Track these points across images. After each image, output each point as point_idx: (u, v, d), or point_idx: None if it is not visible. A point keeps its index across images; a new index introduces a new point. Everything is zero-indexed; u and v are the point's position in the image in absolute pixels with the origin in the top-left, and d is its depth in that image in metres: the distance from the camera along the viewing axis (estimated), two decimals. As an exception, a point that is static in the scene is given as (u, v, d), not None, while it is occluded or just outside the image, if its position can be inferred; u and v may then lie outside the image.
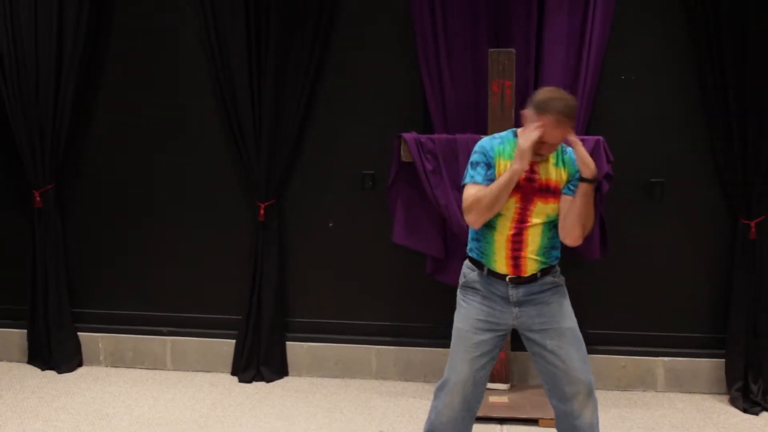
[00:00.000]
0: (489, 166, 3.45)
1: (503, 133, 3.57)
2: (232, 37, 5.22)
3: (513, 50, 4.77)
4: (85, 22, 5.35)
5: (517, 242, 3.43)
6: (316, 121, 5.36)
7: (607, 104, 5.07)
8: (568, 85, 4.94)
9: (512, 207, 3.40)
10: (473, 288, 3.55)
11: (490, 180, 3.40)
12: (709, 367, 5.11)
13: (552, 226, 3.48)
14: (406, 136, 4.93)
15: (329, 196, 5.41)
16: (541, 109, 3.28)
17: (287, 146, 5.29)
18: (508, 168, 3.31)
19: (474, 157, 3.49)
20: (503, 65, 4.70)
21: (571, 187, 3.44)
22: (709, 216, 5.08)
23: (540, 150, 3.34)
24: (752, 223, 4.88)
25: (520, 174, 3.31)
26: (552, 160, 3.47)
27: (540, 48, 5.01)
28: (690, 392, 5.13)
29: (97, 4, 5.40)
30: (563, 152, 3.51)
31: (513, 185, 3.32)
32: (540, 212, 3.43)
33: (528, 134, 3.27)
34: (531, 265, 3.45)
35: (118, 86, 5.54)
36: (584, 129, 4.95)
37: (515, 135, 3.48)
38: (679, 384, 5.14)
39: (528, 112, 3.36)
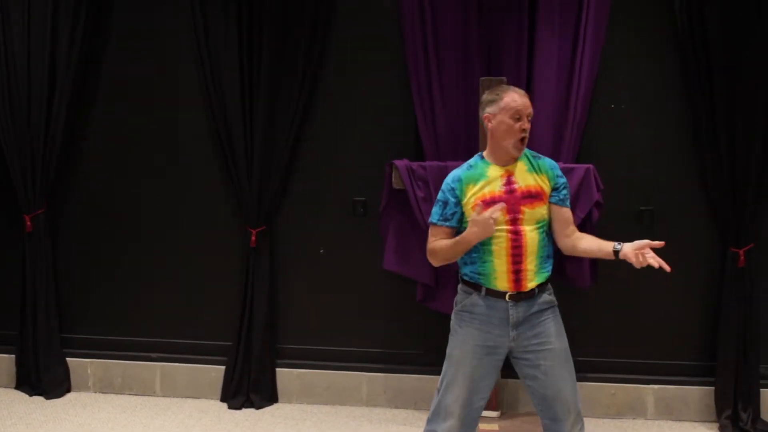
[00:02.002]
0: (446, 204, 3.56)
1: (471, 160, 3.66)
2: (225, 64, 5.26)
3: (504, 79, 4.80)
4: (78, 47, 5.37)
5: (517, 255, 3.45)
6: (308, 147, 5.38)
7: (598, 133, 5.10)
8: (559, 112, 4.98)
9: (502, 221, 3.44)
10: (470, 312, 3.54)
11: (447, 219, 3.55)
12: (698, 394, 5.11)
13: (544, 232, 3.53)
14: (398, 163, 4.95)
15: (321, 222, 5.42)
16: (498, 96, 3.51)
17: (279, 172, 5.30)
18: (471, 218, 3.40)
19: (438, 195, 3.64)
20: (494, 93, 4.73)
21: (560, 197, 3.55)
22: (698, 244, 5.10)
23: (523, 130, 3.48)
24: (741, 252, 4.90)
25: (471, 245, 3.43)
26: (524, 166, 3.55)
27: (530, 76, 5.05)
28: (680, 420, 5.12)
29: (90, 29, 5.42)
30: (534, 157, 3.61)
31: (467, 247, 3.44)
32: (530, 218, 3.48)
33: (488, 221, 3.34)
34: (531, 277, 3.48)
35: (110, 112, 5.56)
36: (574, 157, 4.98)
37: (482, 158, 3.61)
38: (668, 412, 5.14)
39: (488, 113, 3.53)
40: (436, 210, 3.60)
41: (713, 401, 5.04)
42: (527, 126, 3.49)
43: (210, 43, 5.28)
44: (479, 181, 3.52)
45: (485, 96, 3.61)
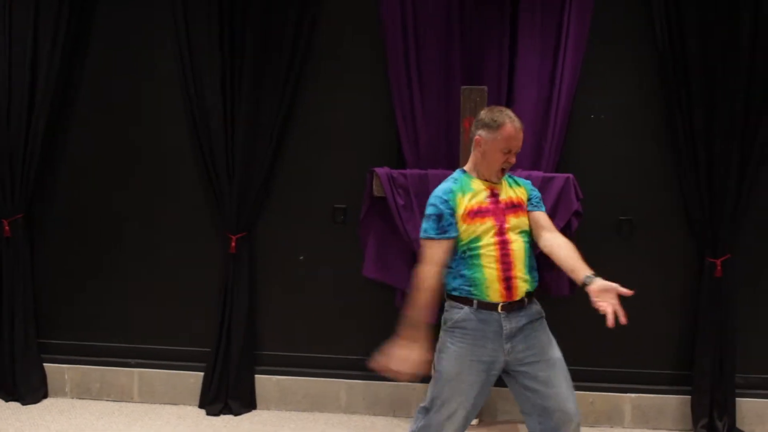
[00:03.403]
0: (441, 217, 3.52)
1: (454, 175, 3.70)
2: (206, 69, 5.25)
3: (485, 87, 4.83)
4: (59, 53, 5.35)
5: (506, 262, 3.47)
6: (289, 154, 5.38)
7: (577, 142, 5.14)
8: (539, 122, 5.01)
9: (491, 230, 3.48)
10: (462, 328, 3.50)
11: (444, 231, 3.50)
12: (675, 403, 5.15)
13: (528, 242, 3.58)
14: (378, 170, 4.97)
15: (301, 229, 5.42)
16: (495, 123, 3.51)
17: (260, 178, 5.30)
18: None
19: (428, 210, 3.58)
20: (475, 102, 4.75)
21: (534, 203, 3.65)
22: (676, 254, 5.14)
23: (507, 162, 3.54)
24: (718, 262, 4.94)
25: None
26: (505, 183, 3.63)
27: (511, 86, 5.07)
28: (657, 429, 5.16)
29: (73, 34, 5.40)
30: (511, 176, 3.72)
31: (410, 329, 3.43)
32: (515, 227, 3.53)
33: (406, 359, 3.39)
34: (522, 285, 3.49)
35: (91, 118, 5.53)
36: (554, 167, 5.01)
37: (464, 172, 3.67)
38: (645, 420, 5.17)
39: (480, 136, 3.55)
40: (429, 225, 3.52)
41: (690, 410, 5.08)
42: (513, 160, 3.55)
43: (192, 51, 5.28)
44: (467, 192, 3.55)
45: (483, 114, 3.60)
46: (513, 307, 3.48)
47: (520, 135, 3.54)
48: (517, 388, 3.57)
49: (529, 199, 3.65)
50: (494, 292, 3.46)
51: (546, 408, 3.47)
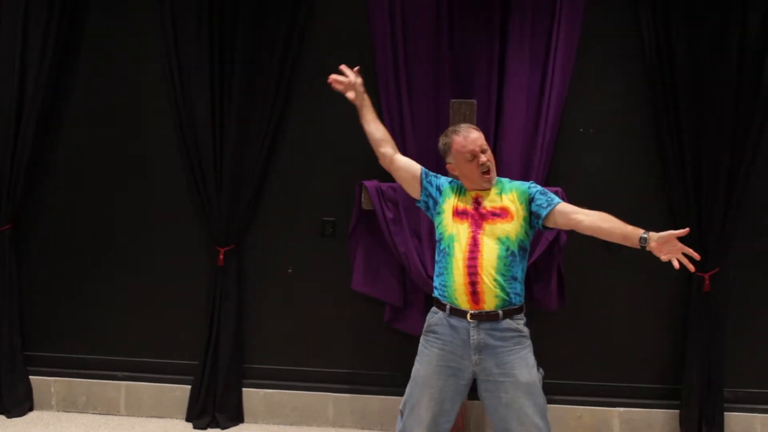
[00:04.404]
0: (437, 179, 3.86)
1: (459, 182, 3.81)
2: (195, 82, 5.24)
3: (474, 101, 4.84)
4: (48, 64, 5.33)
5: (472, 266, 3.49)
6: (278, 167, 5.37)
7: (567, 156, 5.14)
8: (528, 134, 5.02)
9: (465, 231, 3.53)
10: (434, 332, 3.58)
11: (427, 174, 3.89)
12: (663, 417, 5.15)
13: (508, 250, 3.54)
14: (367, 183, 4.96)
15: (289, 242, 5.40)
16: (446, 145, 3.74)
17: (248, 191, 5.29)
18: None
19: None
20: (464, 115, 4.75)
21: (543, 204, 3.59)
22: (664, 268, 5.12)
23: (483, 165, 3.62)
24: (706, 276, 4.95)
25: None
26: (496, 190, 3.67)
27: (501, 99, 5.07)
28: (645, 443, 5.17)
29: (61, 45, 5.38)
30: (508, 182, 3.75)
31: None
32: (490, 233, 3.55)
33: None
34: (489, 292, 3.48)
35: (79, 129, 5.51)
36: (543, 180, 5.01)
37: (455, 179, 3.81)
38: (634, 435, 5.18)
39: (448, 164, 3.76)
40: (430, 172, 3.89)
41: (678, 424, 5.08)
42: (484, 159, 3.60)
43: (181, 63, 5.27)
44: (460, 195, 3.68)
45: (439, 145, 3.82)
46: (483, 317, 3.48)
47: (473, 134, 3.66)
48: (484, 405, 3.61)
49: (531, 201, 3.61)
50: (462, 297, 3.50)
51: (508, 429, 3.49)
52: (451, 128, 3.82)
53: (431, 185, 3.80)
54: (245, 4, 5.18)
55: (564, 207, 3.62)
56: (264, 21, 5.19)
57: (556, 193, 4.76)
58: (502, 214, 3.57)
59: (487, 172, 3.61)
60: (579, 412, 5.20)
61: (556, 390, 5.14)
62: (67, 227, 5.56)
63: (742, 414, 5.09)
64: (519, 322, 3.56)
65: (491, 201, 3.61)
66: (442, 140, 3.78)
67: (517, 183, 3.72)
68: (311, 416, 5.41)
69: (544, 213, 3.58)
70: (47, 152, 5.53)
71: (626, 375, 5.20)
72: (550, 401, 4.94)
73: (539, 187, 3.69)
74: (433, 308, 3.66)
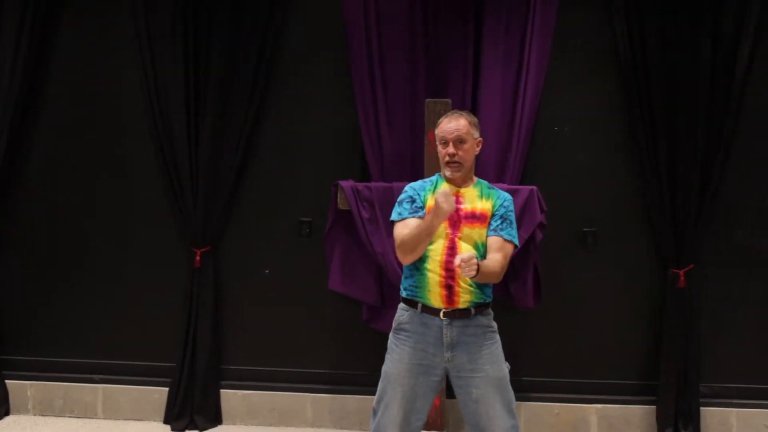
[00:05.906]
0: (413, 200, 3.63)
1: (431, 178, 3.77)
2: (170, 83, 5.23)
3: (449, 100, 4.85)
4: (22, 68, 5.31)
5: (450, 270, 3.49)
6: (254, 167, 5.37)
7: (541, 155, 5.17)
8: (503, 134, 5.03)
9: (442, 234, 3.53)
10: (405, 330, 3.58)
11: (416, 212, 3.59)
12: (640, 413, 5.17)
13: (481, 254, 3.57)
14: (343, 183, 4.96)
15: (266, 242, 5.39)
16: (438, 124, 3.71)
17: (224, 192, 5.28)
18: (431, 213, 3.40)
19: (401, 196, 3.69)
20: (439, 115, 4.70)
21: (493, 226, 3.59)
22: (640, 265, 5.18)
23: (449, 156, 3.59)
24: (681, 272, 4.98)
25: (440, 222, 3.40)
26: (476, 192, 3.65)
27: (476, 98, 5.09)
28: (622, 439, 5.20)
29: (36, 50, 5.37)
30: (488, 187, 3.71)
31: (434, 230, 3.43)
32: (467, 237, 3.54)
33: (446, 193, 3.34)
34: (465, 294, 3.50)
35: (54, 133, 5.49)
36: (518, 179, 5.03)
37: (439, 176, 3.73)
38: (611, 431, 5.19)
39: (432, 135, 3.81)
40: (403, 208, 3.64)
41: (655, 420, 5.11)
42: (452, 151, 3.58)
43: (156, 65, 5.27)
44: (435, 190, 3.63)
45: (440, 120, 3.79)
46: (456, 315, 3.49)
47: (456, 123, 3.62)
48: (458, 398, 3.62)
49: (492, 216, 3.62)
50: (436, 297, 3.51)
51: (478, 424, 3.54)
52: (454, 110, 3.82)
53: (421, 203, 3.65)
54: (220, 7, 5.17)
55: (493, 242, 3.57)
56: (239, 23, 5.17)
57: (531, 191, 4.81)
58: (481, 218, 3.57)
59: (449, 164, 3.60)
60: (557, 410, 5.22)
61: (533, 387, 5.16)
62: (42, 230, 5.53)
63: (718, 409, 5.12)
64: (489, 317, 3.60)
65: (471, 201, 3.62)
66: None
67: (495, 192, 3.69)
68: (290, 417, 5.40)
69: (489, 233, 3.61)
70: (22, 156, 5.50)
71: (603, 372, 5.23)
72: (527, 399, 5.00)
73: (504, 210, 3.64)
74: (402, 305, 3.65)
